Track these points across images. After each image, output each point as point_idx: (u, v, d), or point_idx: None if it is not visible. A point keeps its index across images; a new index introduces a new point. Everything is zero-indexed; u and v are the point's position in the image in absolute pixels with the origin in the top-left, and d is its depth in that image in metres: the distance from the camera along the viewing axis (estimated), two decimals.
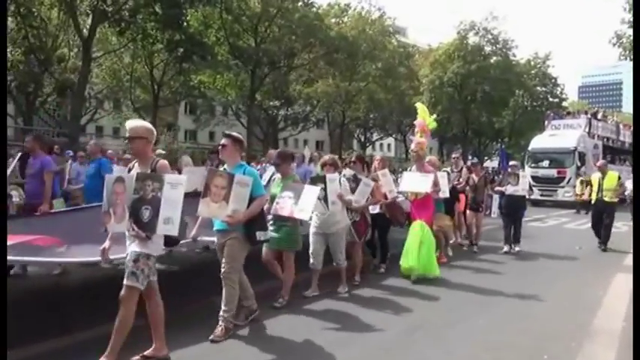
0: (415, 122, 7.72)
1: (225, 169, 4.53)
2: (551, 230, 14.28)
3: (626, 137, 29.12)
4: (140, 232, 3.54)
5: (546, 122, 27.56)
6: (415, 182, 7.03)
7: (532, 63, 41.64)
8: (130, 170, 3.95)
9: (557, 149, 23.06)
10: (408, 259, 6.75)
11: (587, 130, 24.71)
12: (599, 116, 28.18)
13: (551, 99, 41.55)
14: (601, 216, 10.51)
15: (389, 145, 59.77)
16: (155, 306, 3.76)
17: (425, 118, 7.67)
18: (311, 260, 5.92)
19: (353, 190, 6.29)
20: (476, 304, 5.88)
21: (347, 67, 28.81)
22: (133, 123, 3.95)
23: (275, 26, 25.15)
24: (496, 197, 10.65)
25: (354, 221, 6.52)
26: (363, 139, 46.68)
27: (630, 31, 22.95)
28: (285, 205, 5.12)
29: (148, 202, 3.51)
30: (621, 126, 29.83)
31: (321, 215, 5.76)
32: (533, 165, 23.33)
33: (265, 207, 4.89)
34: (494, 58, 38.43)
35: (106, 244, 3.84)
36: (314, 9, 26.61)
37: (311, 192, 5.21)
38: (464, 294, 6.34)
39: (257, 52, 24.34)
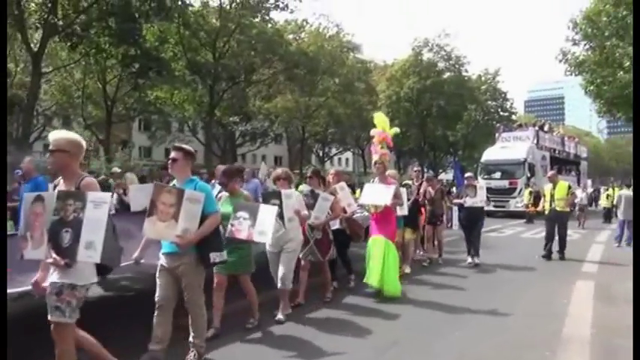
0: (372, 132, 7.32)
1: (174, 184, 4.15)
2: (509, 240, 14.61)
3: (571, 148, 30.74)
4: (58, 259, 3.06)
5: (497, 135, 28.27)
6: (376, 194, 6.80)
7: (483, 78, 43.27)
8: (55, 188, 3.50)
9: (508, 161, 23.61)
10: (372, 279, 6.52)
11: (535, 141, 25.46)
12: (546, 128, 29.28)
13: (501, 113, 43.22)
14: (554, 225, 10.68)
15: (347, 159, 60.33)
16: (85, 343, 3.38)
17: (384, 127, 7.32)
18: (277, 282, 5.65)
19: (311, 206, 5.96)
20: (446, 321, 5.78)
21: (307, 82, 28.95)
22: (56, 134, 3.46)
23: (234, 41, 24.97)
24: (455, 209, 10.65)
25: (316, 239, 6.19)
26: (321, 154, 46.91)
27: (574, 49, 24.42)
28: (242, 227, 4.75)
29: (69, 224, 3.05)
30: (566, 138, 31.21)
31: (275, 233, 5.36)
32: (485, 176, 23.62)
33: None
34: (448, 73, 39.66)
35: (38, 275, 3.37)
36: (269, 25, 26.61)
37: (268, 212, 4.86)
38: (432, 312, 6.18)
39: (216, 67, 24.05)
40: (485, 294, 7.20)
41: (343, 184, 6.95)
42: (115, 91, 28.36)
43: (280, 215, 5.19)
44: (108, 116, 28.52)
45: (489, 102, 43.35)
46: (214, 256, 4.06)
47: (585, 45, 24.04)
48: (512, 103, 44.64)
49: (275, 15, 26.26)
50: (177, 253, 3.96)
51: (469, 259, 9.66)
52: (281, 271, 5.55)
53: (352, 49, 30.02)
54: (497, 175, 23.80)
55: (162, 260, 4.14)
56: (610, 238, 14.88)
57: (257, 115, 31.75)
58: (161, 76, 20.52)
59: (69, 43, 19.10)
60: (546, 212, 10.89)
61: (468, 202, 9.65)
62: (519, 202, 22.10)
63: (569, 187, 11.15)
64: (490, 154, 25.37)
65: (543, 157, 25.62)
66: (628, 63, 20.77)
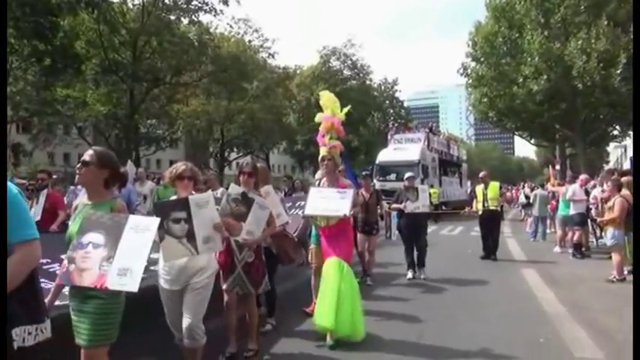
0: (318, 118, 5.53)
1: None
2: (431, 239, 15.12)
3: (455, 151, 31.73)
4: None
5: (389, 136, 28.22)
6: (328, 202, 5.05)
7: (382, 87, 45.93)
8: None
9: (402, 162, 23.02)
10: (323, 317, 4.81)
11: (426, 143, 25.65)
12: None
13: (399, 120, 46.22)
14: (488, 225, 10.76)
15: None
16: None
17: (334, 110, 5.47)
18: (176, 334, 3.82)
19: (241, 216, 4.13)
20: (442, 351, 4.76)
21: (235, 86, 28.43)
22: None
23: (155, 41, 23.80)
24: (394, 215, 9.37)
25: (246, 263, 4.33)
26: (220, 158, 45.90)
27: (474, 64, 27.26)
28: (90, 262, 2.58)
29: None
30: (451, 141, 32.25)
31: (176, 261, 3.59)
32: (381, 178, 22.90)
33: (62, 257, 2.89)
34: (353, 81, 41.52)
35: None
36: (188, 27, 25.80)
37: (141, 230, 2.66)
38: (407, 358, 4.60)
39: (136, 67, 22.73)
40: (453, 303, 6.74)
41: (269, 187, 5.12)
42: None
43: (189, 234, 3.39)
44: None
45: (390, 110, 46.10)
46: (24, 335, 2.09)
47: (483, 61, 26.92)
48: (408, 112, 47.95)
49: (201, 18, 25.36)
50: None
51: (409, 274, 8.40)
52: (188, 319, 3.62)
53: (273, 54, 30.30)
54: (393, 176, 22.91)
55: None
56: (515, 231, 16.80)
57: (176, 119, 30.44)
58: (81, 74, 18.85)
59: None
60: (479, 212, 10.93)
61: (409, 207, 8.39)
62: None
63: (500, 187, 11.71)
64: (384, 156, 25.09)
65: (433, 158, 25.74)
66: (521, 79, 23.79)
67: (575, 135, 25.74)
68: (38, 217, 6.59)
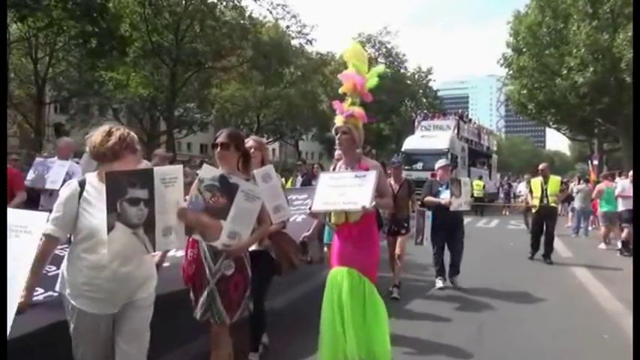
0: (341, 78, 3.86)
1: None
2: (469, 232, 14.22)
3: (485, 141, 29.95)
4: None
5: (416, 123, 26.64)
6: (343, 192, 3.50)
7: (416, 76, 45.44)
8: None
9: (429, 150, 21.38)
10: (331, 345, 3.49)
11: (455, 131, 24.10)
12: (465, 119, 27.87)
13: (432, 110, 45.78)
14: (543, 223, 9.77)
15: (273, 150, 59.89)
16: None
17: (359, 68, 3.80)
18: None
19: (222, 212, 2.81)
20: None
21: (274, 72, 28.62)
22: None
23: (197, 25, 24.08)
24: (429, 215, 7.28)
25: (223, 278, 3.00)
26: None
27: (511, 54, 26.72)
28: None
29: None
30: (482, 130, 30.77)
31: (118, 268, 2.41)
32: (407, 167, 20.47)
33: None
34: (387, 69, 41.09)
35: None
36: (226, 11, 25.97)
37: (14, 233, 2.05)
38: None
39: (179, 50, 23.08)
40: (504, 308, 6.17)
41: (270, 168, 3.88)
42: (46, 70, 26.16)
43: (147, 223, 2.36)
44: (39, 97, 26.21)
45: (423, 99, 45.68)
46: None
47: (525, 52, 26.35)
48: (441, 101, 47.36)
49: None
50: None
51: (439, 283, 7.09)
52: (132, 351, 2.51)
53: (311, 40, 30.27)
54: (419, 165, 21.62)
55: None
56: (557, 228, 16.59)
57: (213, 103, 30.85)
58: (126, 56, 19.21)
59: (16, 15, 17.23)
60: (534, 209, 10.05)
61: (455, 203, 6.94)
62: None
63: (562, 182, 11.18)
64: (411, 143, 23.42)
65: (463, 148, 24.14)
66: (565, 71, 23.25)
67: (619, 130, 25.02)
68: None
